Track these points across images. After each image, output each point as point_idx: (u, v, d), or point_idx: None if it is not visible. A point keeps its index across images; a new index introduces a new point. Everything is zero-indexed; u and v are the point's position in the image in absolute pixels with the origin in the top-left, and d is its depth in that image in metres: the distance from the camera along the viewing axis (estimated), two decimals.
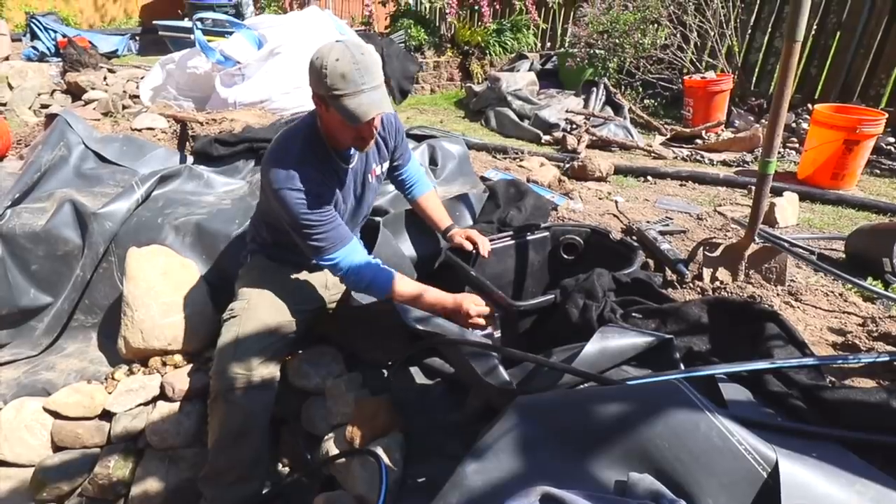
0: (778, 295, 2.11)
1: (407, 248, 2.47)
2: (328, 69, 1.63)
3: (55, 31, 7.78)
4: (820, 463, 1.12)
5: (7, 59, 7.53)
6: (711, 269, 2.22)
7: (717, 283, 2.17)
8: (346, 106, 1.65)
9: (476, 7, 6.51)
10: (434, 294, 1.90)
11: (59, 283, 2.57)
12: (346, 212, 2.04)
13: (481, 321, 1.87)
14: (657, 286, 2.02)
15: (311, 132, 1.88)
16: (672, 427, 1.15)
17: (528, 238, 2.37)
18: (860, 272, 2.30)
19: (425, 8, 7.24)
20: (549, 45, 7.28)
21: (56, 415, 2.23)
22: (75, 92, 5.45)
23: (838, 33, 4.97)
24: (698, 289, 2.16)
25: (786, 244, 2.46)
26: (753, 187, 2.12)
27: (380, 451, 1.86)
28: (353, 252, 1.90)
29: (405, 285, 1.90)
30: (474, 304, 1.86)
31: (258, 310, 1.99)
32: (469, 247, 2.19)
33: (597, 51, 5.48)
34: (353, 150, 1.94)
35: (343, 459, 1.98)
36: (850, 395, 1.35)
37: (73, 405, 2.22)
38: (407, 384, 2.30)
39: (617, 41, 5.43)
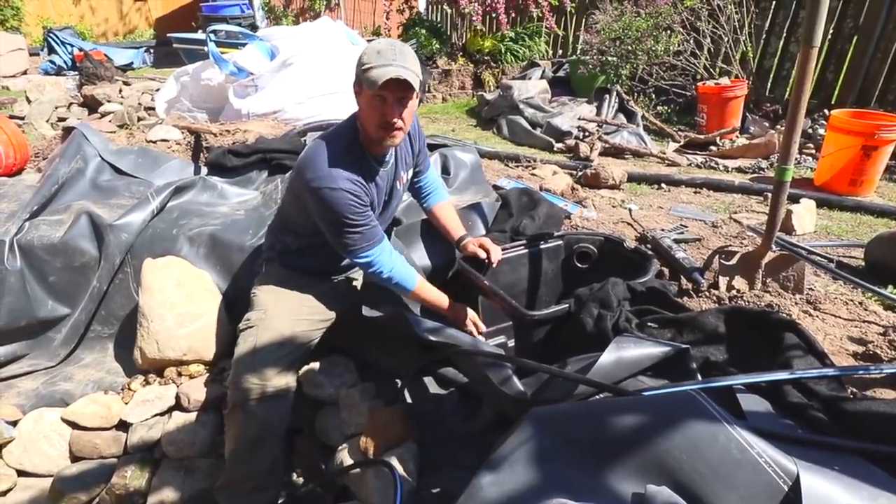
0: (796, 304, 2.08)
1: (421, 258, 2.47)
2: (368, 49, 1.76)
3: (72, 45, 7.93)
4: (842, 476, 1.10)
5: (25, 73, 7.70)
6: (727, 278, 2.20)
7: (734, 292, 2.14)
8: (370, 74, 1.72)
9: (493, 14, 6.52)
10: (445, 302, 2.12)
11: (76, 294, 2.60)
12: (375, 216, 2.06)
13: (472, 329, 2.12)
14: (672, 295, 2.00)
15: (351, 135, 1.93)
16: (690, 439, 1.13)
17: (542, 247, 2.36)
18: (880, 280, 2.26)
19: (447, 14, 7.26)
20: (560, 52, 7.28)
21: (74, 425, 2.26)
22: (91, 105, 5.54)
23: (855, 37, 4.92)
24: (714, 297, 2.13)
25: (803, 252, 2.43)
26: (769, 194, 2.09)
27: (394, 461, 1.85)
28: (385, 250, 1.98)
29: (426, 290, 2.10)
30: (473, 321, 2.13)
31: (274, 319, 1.99)
32: (483, 255, 2.20)
33: (609, 58, 5.46)
34: (387, 157, 1.98)
35: (357, 470, 1.98)
36: (872, 407, 1.33)
37: (90, 415, 2.24)
38: (421, 394, 2.29)
39: (629, 48, 5.41)
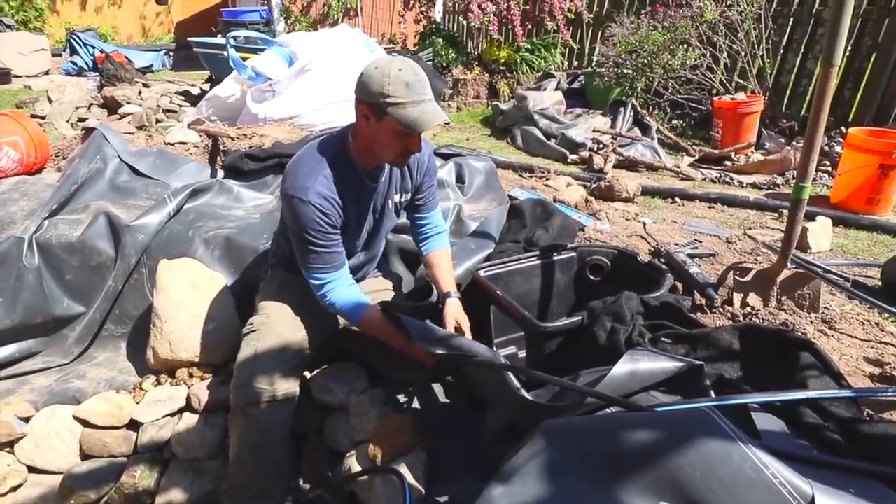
0: (811, 322, 2.07)
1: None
2: (391, 78, 1.63)
3: (93, 47, 8.05)
4: (858, 499, 1.08)
5: (47, 73, 7.82)
6: (742, 295, 2.18)
7: (748, 309, 2.13)
8: (408, 114, 1.65)
9: (509, 26, 6.55)
10: (400, 340, 1.88)
11: (91, 293, 2.63)
12: (364, 233, 2.04)
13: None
14: (686, 310, 1.99)
15: (341, 149, 1.89)
16: (704, 456, 1.12)
17: (555, 258, 2.35)
18: None
19: (463, 24, 7.27)
20: (576, 63, 7.29)
21: (85, 423, 2.27)
22: (111, 106, 5.61)
23: (874, 55, 4.89)
24: (728, 314, 2.12)
25: (819, 270, 2.41)
26: (784, 211, 2.08)
27: (403, 468, 1.85)
28: (340, 280, 1.91)
29: (372, 325, 1.91)
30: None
31: (277, 324, 1.99)
32: (451, 323, 2.02)
33: (625, 70, 5.46)
34: (384, 169, 1.95)
35: (365, 477, 1.98)
36: (889, 430, 1.31)
37: (101, 414, 2.25)
38: (430, 402, 2.29)
39: (645, 61, 5.41)
